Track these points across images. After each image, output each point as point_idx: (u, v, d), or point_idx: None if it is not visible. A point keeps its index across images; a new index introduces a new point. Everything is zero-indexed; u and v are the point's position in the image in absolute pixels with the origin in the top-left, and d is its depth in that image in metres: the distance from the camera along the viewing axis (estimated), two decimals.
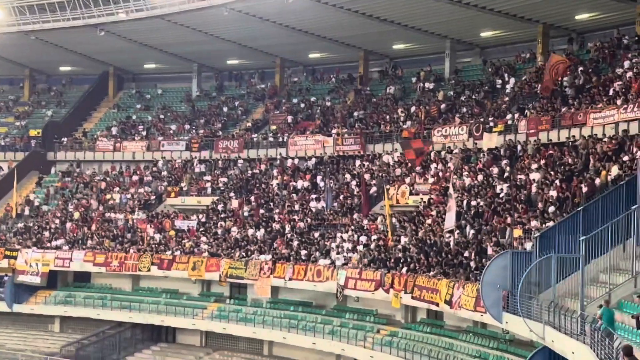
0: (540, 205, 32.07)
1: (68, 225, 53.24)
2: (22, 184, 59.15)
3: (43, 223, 54.35)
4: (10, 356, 47.44)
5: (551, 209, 31.12)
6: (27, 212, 56.41)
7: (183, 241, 48.10)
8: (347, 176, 47.21)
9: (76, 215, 54.09)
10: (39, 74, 69.59)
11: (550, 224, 28.43)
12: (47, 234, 52.84)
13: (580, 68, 40.96)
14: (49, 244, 51.76)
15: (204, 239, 47.69)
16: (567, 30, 46.95)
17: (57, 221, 54.15)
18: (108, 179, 57.69)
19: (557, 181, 32.65)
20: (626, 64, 37.98)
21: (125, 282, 50.60)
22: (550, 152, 35.86)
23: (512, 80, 45.69)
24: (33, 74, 68.97)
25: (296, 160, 51.32)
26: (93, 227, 52.36)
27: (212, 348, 46.96)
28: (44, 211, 56.42)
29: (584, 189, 30.53)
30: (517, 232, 31.08)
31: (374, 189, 44.29)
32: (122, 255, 48.70)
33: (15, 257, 51.34)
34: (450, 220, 34.18)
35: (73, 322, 51.07)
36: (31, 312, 51.31)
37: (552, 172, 33.77)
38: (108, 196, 55.35)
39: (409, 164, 43.83)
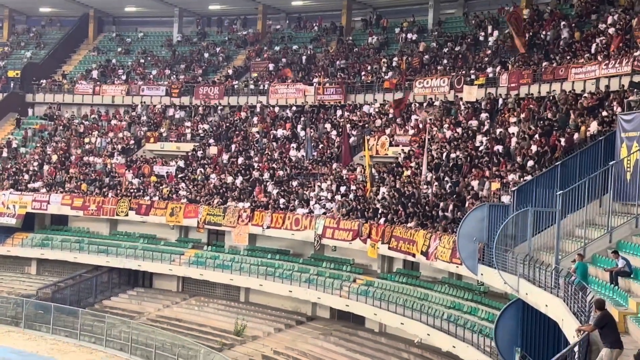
0: (519, 159, 32.17)
1: (46, 168, 52.98)
2: (0, 126, 58.65)
3: (21, 165, 54.04)
4: None
5: (530, 163, 31.22)
6: (4, 154, 56.02)
7: (161, 187, 48.00)
8: (328, 126, 47.11)
9: (54, 158, 53.80)
10: (18, 15, 68.71)
11: (528, 177, 28.54)
12: (26, 176, 52.56)
13: (563, 22, 40.86)
14: (26, 187, 51.52)
15: (182, 185, 47.62)
16: None
17: (35, 164, 53.86)
18: (87, 122, 57.31)
19: (536, 135, 32.71)
20: (609, 20, 37.90)
21: (102, 226, 50.57)
22: (531, 106, 35.89)
23: (495, 33, 45.53)
24: (12, 14, 68.10)
25: (277, 109, 51.13)
26: (71, 171, 52.15)
27: (189, 294, 47.17)
28: (21, 153, 56.07)
29: (563, 144, 30.62)
30: (495, 185, 31.21)
31: (353, 139, 44.25)
32: (100, 199, 48.59)
33: None
34: (424, 172, 34.34)
35: (50, 264, 51.12)
36: (7, 254, 51.27)
37: (531, 127, 33.82)
38: (87, 140, 55.04)
39: (390, 115, 43.80)
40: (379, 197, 37.52)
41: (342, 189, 40.66)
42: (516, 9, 41.13)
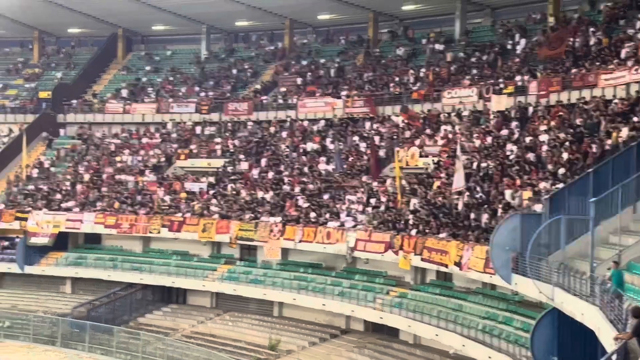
0: (550, 166, 32.00)
1: (78, 187, 53.40)
2: (33, 146, 59.26)
3: (54, 185, 54.53)
4: (22, 317, 47.84)
5: (561, 170, 31.05)
6: (36, 175, 56.52)
7: (193, 203, 48.21)
8: (356, 138, 47.12)
9: (86, 177, 54.23)
10: (48, 36, 69.48)
11: (560, 185, 28.38)
12: (58, 196, 53.00)
13: (592, 29, 40.65)
14: (59, 206, 51.95)
15: (214, 201, 47.80)
16: None
17: (68, 183, 54.31)
18: (118, 141, 57.75)
19: (567, 143, 32.53)
20: (638, 24, 37.65)
21: (135, 243, 50.85)
22: (561, 113, 35.70)
23: (523, 41, 45.38)
24: (42, 36, 68.86)
25: (305, 123, 51.24)
26: (103, 189, 52.53)
27: (223, 309, 47.27)
28: (54, 173, 56.58)
29: (595, 151, 30.43)
30: (527, 194, 31.05)
31: (383, 151, 44.24)
32: (132, 217, 48.87)
33: (26, 219, 51.60)
34: (458, 182, 34.19)
35: (84, 283, 51.44)
36: (42, 274, 51.65)
37: (562, 134, 33.63)
38: (118, 158, 55.45)
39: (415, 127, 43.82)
40: (410, 208, 37.46)
41: (373, 201, 40.63)
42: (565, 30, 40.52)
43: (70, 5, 61.04)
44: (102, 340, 44.64)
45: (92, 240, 52.78)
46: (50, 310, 49.10)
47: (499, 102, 40.03)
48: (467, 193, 34.52)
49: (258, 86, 57.63)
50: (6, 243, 53.37)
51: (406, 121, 44.64)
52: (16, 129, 60.83)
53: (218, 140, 53.57)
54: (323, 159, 46.90)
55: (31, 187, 55.03)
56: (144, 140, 56.89)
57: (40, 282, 52.46)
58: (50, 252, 51.51)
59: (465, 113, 42.25)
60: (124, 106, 59.45)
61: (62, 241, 51.72)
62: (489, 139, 38.09)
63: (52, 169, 57.13)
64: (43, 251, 51.58)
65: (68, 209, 51.45)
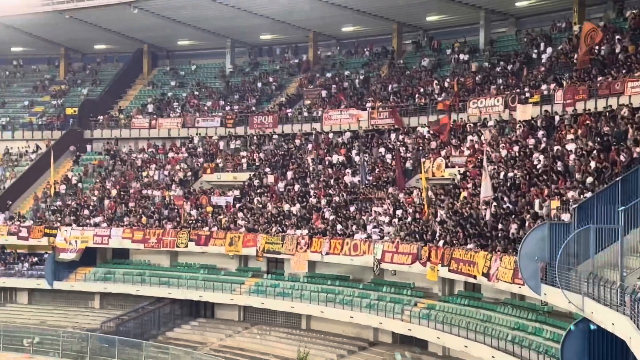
0: (578, 175, 31.78)
1: (106, 202, 53.70)
2: (60, 163, 59.68)
3: (81, 201, 54.84)
4: (52, 332, 48.10)
5: (589, 179, 30.82)
6: (63, 190, 56.89)
7: (220, 217, 48.32)
8: (382, 149, 47.06)
9: (114, 192, 54.52)
10: (74, 53, 70.04)
11: (589, 194, 28.16)
12: (86, 211, 53.30)
13: (618, 36, 40.39)
14: (87, 222, 52.23)
15: (240, 214, 47.87)
16: None
17: (95, 199, 54.62)
18: (144, 156, 58.02)
19: (595, 151, 32.30)
20: None
21: (163, 258, 51.03)
22: (588, 122, 35.46)
23: (549, 50, 45.18)
24: (68, 53, 69.44)
25: (331, 135, 51.25)
26: (131, 204, 52.78)
27: (251, 322, 47.29)
28: (81, 189, 56.91)
29: (622, 159, 30.18)
30: (555, 203, 30.83)
31: (409, 162, 44.14)
32: (159, 231, 49.05)
33: (54, 235, 51.94)
34: (485, 192, 34.03)
35: (113, 298, 51.69)
36: (71, 289, 51.94)
37: (589, 143, 33.40)
38: (145, 173, 55.72)
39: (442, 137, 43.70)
40: (437, 219, 37.32)
41: (399, 212, 40.52)
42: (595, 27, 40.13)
43: (95, 22, 61.56)
44: (131, 355, 44.78)
45: (120, 255, 53.06)
46: (79, 325, 49.36)
47: (524, 112, 39.83)
48: (495, 203, 34.34)
49: (283, 99, 57.78)
50: (35, 259, 53.75)
51: (436, 132, 44.23)
52: (43, 145, 61.35)
53: (244, 153, 53.70)
54: (349, 171, 46.87)
55: (59, 203, 55.39)
56: (170, 154, 57.14)
57: (69, 298, 52.79)
58: (78, 267, 51.79)
59: (491, 123, 42.07)
60: (150, 121, 59.78)
61: (90, 256, 52.03)
62: (515, 149, 37.89)
63: (80, 184, 57.48)
64: (72, 267, 51.87)
65: (96, 225, 51.73)
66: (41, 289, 52.65)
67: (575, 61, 40.73)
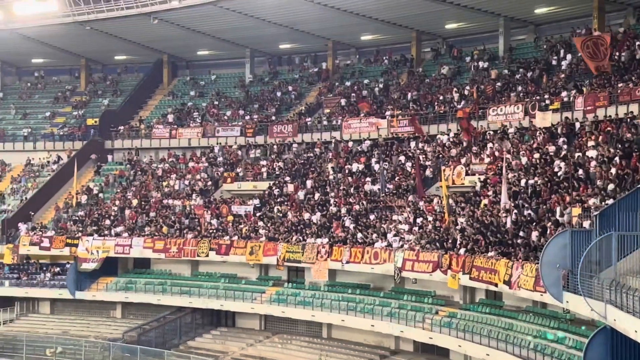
0: (599, 182, 31.65)
1: (127, 212, 53.91)
2: (81, 173, 59.99)
3: (102, 211, 55.09)
4: (74, 342, 48.30)
5: (610, 186, 30.70)
6: (84, 201, 57.16)
7: (240, 226, 48.41)
8: (402, 158, 47.03)
9: (134, 202, 54.74)
10: (94, 64, 70.47)
11: (610, 201, 28.03)
12: (107, 221, 53.53)
13: (638, 42, 40.24)
14: (108, 231, 52.45)
15: (261, 223, 47.95)
16: (624, 4, 46.09)
17: (116, 208, 54.85)
18: (165, 165, 58.24)
19: (616, 158, 32.17)
20: None
21: (184, 267, 51.16)
22: (609, 128, 35.32)
23: (569, 56, 45.04)
24: (89, 64, 69.87)
25: (350, 144, 51.26)
26: (151, 214, 52.98)
27: (272, 331, 47.31)
28: (102, 199, 57.18)
29: None
30: (576, 211, 30.72)
31: (429, 170, 44.09)
32: (180, 241, 49.20)
33: (76, 245, 52.19)
34: (503, 199, 33.98)
35: (134, 307, 51.85)
36: (93, 299, 52.15)
37: (610, 149, 33.27)
38: (165, 183, 55.92)
39: (464, 144, 43.61)
40: (458, 227, 37.24)
41: (420, 220, 40.46)
42: (601, 35, 40.10)
43: (116, 33, 61.95)
44: None
45: (141, 265, 53.22)
46: (102, 335, 49.53)
47: (544, 119, 39.75)
48: (515, 211, 34.25)
49: (302, 108, 57.87)
50: (57, 269, 54.01)
51: (463, 134, 44.03)
52: (64, 156, 61.71)
53: (263, 162, 53.82)
54: (369, 179, 46.86)
55: (81, 213, 55.67)
56: (191, 164, 57.33)
57: (91, 308, 53.01)
58: (100, 277, 52.00)
59: (511, 130, 41.97)
60: (170, 131, 60.02)
61: (111, 266, 52.25)
62: (536, 156, 37.78)
63: (101, 194, 57.75)
64: (93, 276, 52.08)
65: (117, 234, 51.95)
66: (63, 298, 52.90)
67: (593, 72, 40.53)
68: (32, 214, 57.65)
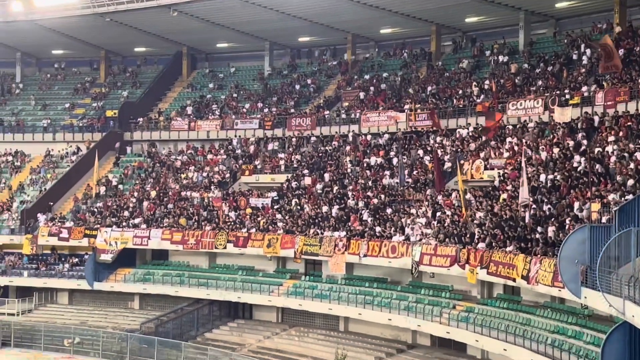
0: (619, 178, 31.46)
1: (145, 204, 54.07)
2: (100, 164, 60.20)
3: (121, 202, 55.29)
4: (92, 333, 48.54)
5: (630, 182, 30.52)
6: (102, 192, 57.37)
7: (258, 219, 48.46)
8: (420, 152, 46.91)
9: (153, 194, 54.89)
10: (114, 56, 70.70)
11: (630, 197, 27.87)
12: (126, 213, 53.72)
13: None
14: (127, 223, 52.63)
15: (278, 216, 47.98)
16: None
17: (135, 200, 55.03)
18: (183, 157, 58.37)
19: (636, 153, 31.97)
20: None
21: (201, 259, 51.28)
22: (629, 123, 35.10)
23: (589, 51, 44.78)
24: (108, 56, 70.10)
25: (369, 137, 51.19)
26: (170, 206, 53.12)
27: (289, 324, 47.36)
28: (121, 190, 57.38)
29: None
30: (595, 206, 30.55)
31: (448, 164, 43.97)
32: (198, 233, 49.30)
33: (95, 236, 52.42)
34: (523, 194, 33.83)
35: (152, 299, 52.04)
36: (111, 290, 52.38)
37: (630, 145, 33.07)
38: (183, 175, 56.04)
39: (484, 138, 43.47)
40: (476, 221, 37.13)
41: (438, 214, 40.37)
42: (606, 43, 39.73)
43: (135, 25, 62.08)
44: (170, 356, 45.05)
45: (159, 257, 53.39)
46: (119, 326, 49.74)
47: (563, 114, 39.53)
48: (534, 206, 34.11)
49: (321, 101, 57.82)
50: (75, 260, 54.27)
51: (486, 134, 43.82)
52: (84, 147, 61.94)
53: (282, 155, 53.83)
54: (387, 172, 46.79)
55: (99, 204, 55.89)
56: (209, 156, 57.43)
57: (109, 298, 53.27)
58: (118, 268, 52.19)
59: (531, 125, 41.79)
60: (189, 123, 60.13)
61: (129, 258, 52.44)
62: (555, 151, 37.60)
63: (120, 186, 57.94)
64: (111, 268, 52.31)
65: (135, 226, 52.11)
66: (81, 289, 53.18)
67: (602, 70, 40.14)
68: (52, 204, 57.92)
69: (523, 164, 34.37)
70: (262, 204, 50.20)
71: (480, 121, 45.39)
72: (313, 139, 54.10)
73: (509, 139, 42.08)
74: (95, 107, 66.00)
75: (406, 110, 49.87)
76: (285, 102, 59.49)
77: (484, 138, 43.69)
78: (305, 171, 50.99)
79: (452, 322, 37.17)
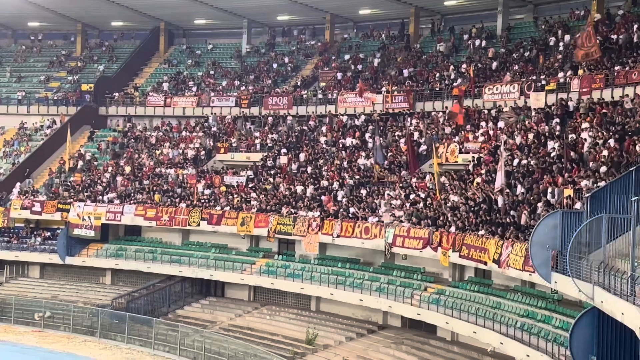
0: (592, 164, 31.67)
1: (119, 179, 53.85)
2: (75, 138, 59.86)
3: (95, 177, 55.02)
4: (63, 307, 48.38)
5: (603, 168, 30.72)
6: (79, 166, 57.08)
7: (232, 197, 48.41)
8: (397, 134, 46.98)
9: (127, 169, 54.66)
10: (91, 29, 70.15)
11: (602, 183, 28.06)
12: (99, 188, 53.49)
13: (636, 25, 40.14)
14: (100, 198, 52.43)
15: (253, 194, 47.95)
16: None
17: (108, 175, 54.78)
18: (159, 134, 58.13)
19: (610, 140, 32.18)
20: None
21: (175, 236, 51.20)
22: (604, 110, 35.30)
23: (567, 37, 44.94)
24: (85, 29, 69.55)
25: (345, 118, 51.19)
26: (144, 182, 52.92)
27: (260, 303, 47.45)
28: (95, 165, 57.09)
29: (638, 149, 30.06)
30: (568, 192, 30.75)
31: (423, 147, 44.07)
32: (172, 209, 49.20)
33: (67, 211, 52.19)
34: (499, 180, 33.97)
35: (124, 275, 51.97)
36: (83, 265, 52.24)
37: (604, 132, 33.27)
38: (158, 151, 55.83)
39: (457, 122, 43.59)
40: (449, 205, 37.28)
41: (412, 197, 40.48)
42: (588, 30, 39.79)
43: None
44: (141, 332, 45.01)
45: (132, 232, 53.26)
46: (90, 301, 49.63)
47: (538, 99, 39.68)
48: (507, 190, 34.27)
49: (298, 81, 57.71)
50: (48, 234, 54.02)
51: (457, 119, 43.81)
52: (58, 121, 61.53)
53: (257, 134, 53.73)
54: (362, 153, 46.83)
55: (73, 178, 55.58)
56: (184, 133, 57.22)
57: (81, 273, 53.14)
58: (90, 243, 52.03)
59: (506, 109, 41.92)
60: (165, 99, 59.87)
61: (102, 233, 52.24)
62: (530, 136, 37.76)
63: (94, 161, 57.64)
64: (84, 242, 52.17)
65: (109, 201, 51.91)
66: (53, 263, 53.01)
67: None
68: (29, 170, 57.63)
69: (501, 149, 34.48)
70: (237, 182, 50.13)
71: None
72: (289, 118, 54.03)
73: (483, 123, 42.19)
74: (70, 81, 65.55)
75: (383, 92, 49.88)
76: (262, 81, 59.32)
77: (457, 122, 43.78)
78: (282, 150, 50.86)
79: (422, 304, 37.37)
